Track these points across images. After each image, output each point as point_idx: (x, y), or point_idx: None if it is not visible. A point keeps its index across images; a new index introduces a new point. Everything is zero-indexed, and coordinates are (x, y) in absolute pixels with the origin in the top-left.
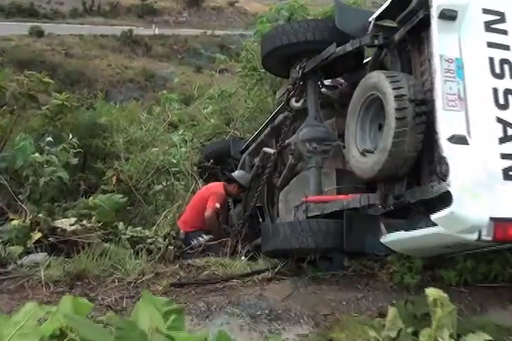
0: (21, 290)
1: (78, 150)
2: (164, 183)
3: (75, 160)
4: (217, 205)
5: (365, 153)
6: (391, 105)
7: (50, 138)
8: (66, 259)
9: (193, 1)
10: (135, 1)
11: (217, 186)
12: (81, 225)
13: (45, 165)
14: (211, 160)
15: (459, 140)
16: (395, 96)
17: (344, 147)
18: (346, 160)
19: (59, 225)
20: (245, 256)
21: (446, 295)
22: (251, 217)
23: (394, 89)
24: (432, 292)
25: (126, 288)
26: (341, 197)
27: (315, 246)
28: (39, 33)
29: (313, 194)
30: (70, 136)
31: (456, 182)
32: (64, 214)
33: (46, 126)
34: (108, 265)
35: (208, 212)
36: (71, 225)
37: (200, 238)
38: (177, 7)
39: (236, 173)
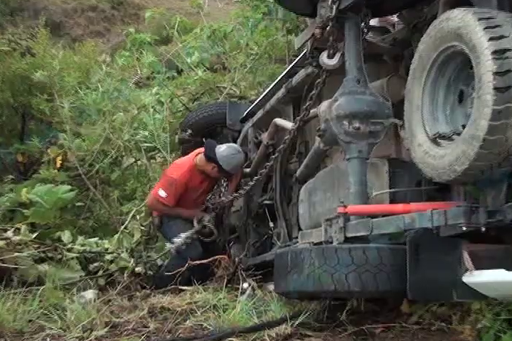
0: None
1: None
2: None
3: None
4: (162, 193)
5: (439, 140)
6: (487, 66)
7: None
8: None
9: None
10: None
11: (181, 163)
12: (4, 239)
13: None
14: (189, 131)
15: None
16: (494, 52)
17: (402, 127)
18: (405, 148)
19: None
20: (248, 283)
21: None
22: (256, 216)
23: (492, 39)
24: None
25: None
26: (399, 208)
27: (360, 290)
28: None
29: (355, 201)
30: None
31: None
32: None
33: None
34: (37, 312)
35: (148, 199)
36: None
37: (175, 239)
38: None
39: (222, 150)
